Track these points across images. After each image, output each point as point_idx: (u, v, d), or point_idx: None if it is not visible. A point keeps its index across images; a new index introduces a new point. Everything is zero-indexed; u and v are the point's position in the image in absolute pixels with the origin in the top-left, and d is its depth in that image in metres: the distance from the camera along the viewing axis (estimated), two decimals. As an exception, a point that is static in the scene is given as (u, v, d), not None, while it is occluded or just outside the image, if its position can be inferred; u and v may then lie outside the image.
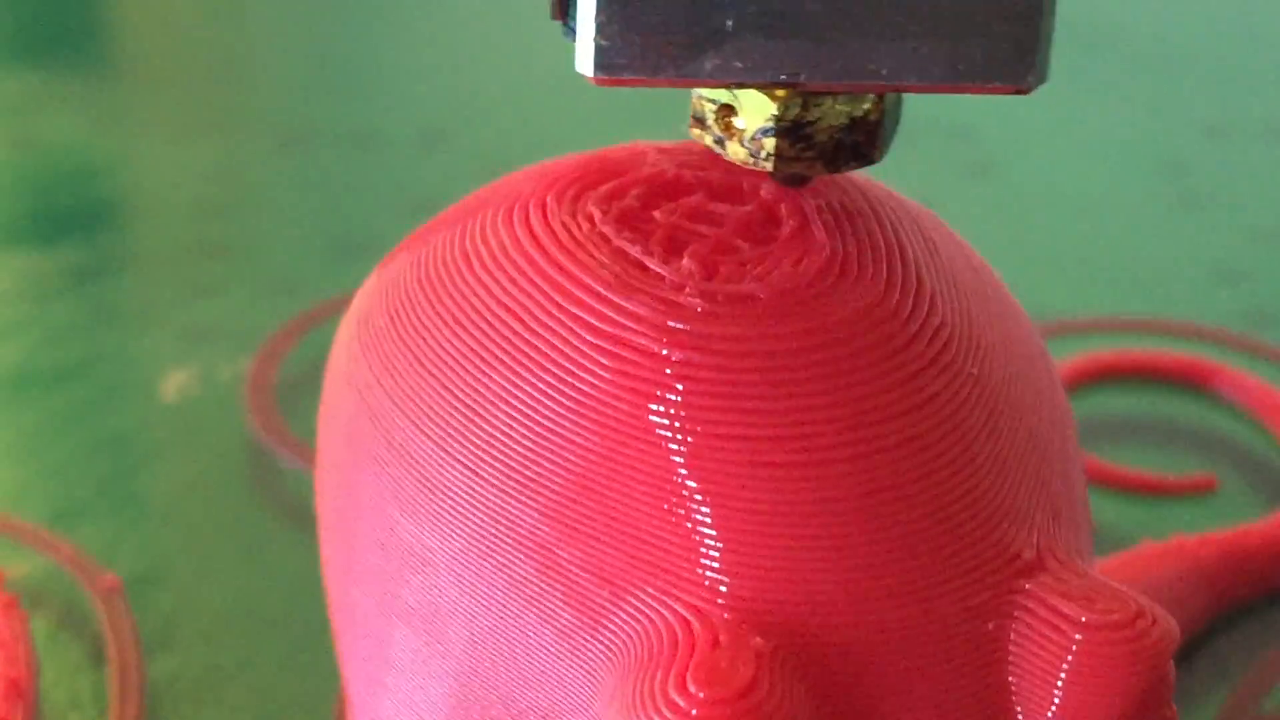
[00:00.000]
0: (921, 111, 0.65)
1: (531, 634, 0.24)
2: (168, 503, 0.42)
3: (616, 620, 0.24)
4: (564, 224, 0.26)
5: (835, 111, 0.25)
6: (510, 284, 0.26)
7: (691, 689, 0.22)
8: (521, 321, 0.25)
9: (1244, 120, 0.67)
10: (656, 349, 0.24)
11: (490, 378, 0.25)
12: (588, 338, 0.25)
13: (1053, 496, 0.26)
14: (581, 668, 0.24)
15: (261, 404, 0.45)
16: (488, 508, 0.25)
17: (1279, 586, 0.39)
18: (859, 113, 0.25)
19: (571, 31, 0.24)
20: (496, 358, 0.25)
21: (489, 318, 0.25)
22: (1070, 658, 0.24)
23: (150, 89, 0.71)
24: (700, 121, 0.26)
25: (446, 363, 0.26)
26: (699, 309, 0.25)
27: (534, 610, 0.24)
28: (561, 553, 0.24)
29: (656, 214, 0.27)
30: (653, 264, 0.25)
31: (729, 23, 0.23)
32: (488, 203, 0.27)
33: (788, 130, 0.25)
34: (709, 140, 0.26)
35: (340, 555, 0.28)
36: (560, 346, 0.25)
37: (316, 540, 0.29)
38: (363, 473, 0.27)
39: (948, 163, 0.62)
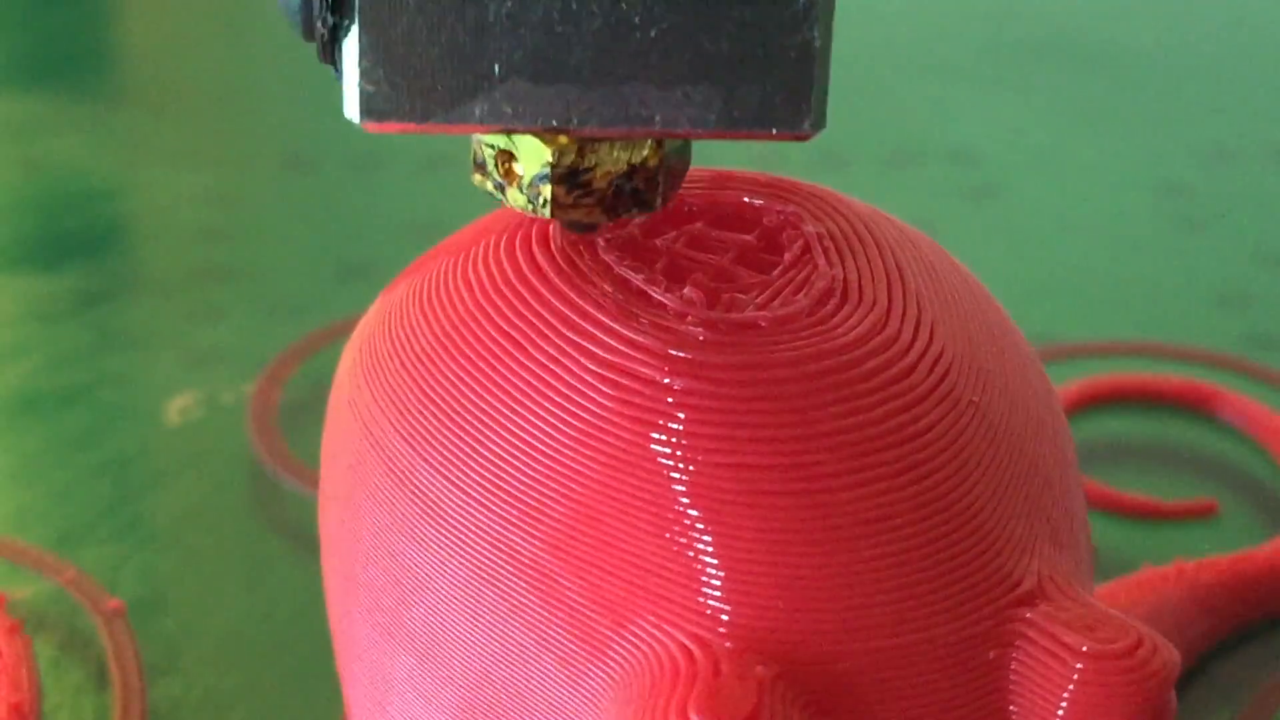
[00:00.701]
0: (922, 135, 0.66)
1: (533, 662, 0.24)
2: (171, 526, 0.42)
3: (618, 648, 0.24)
4: (566, 252, 0.26)
5: (613, 158, 0.25)
6: (512, 312, 0.26)
7: (693, 718, 0.22)
8: (524, 349, 0.25)
9: (1245, 143, 0.67)
10: (658, 377, 0.24)
11: (493, 406, 0.25)
12: (590, 366, 0.25)
13: (1053, 524, 0.26)
14: (583, 696, 0.24)
15: (265, 427, 0.45)
16: (490, 535, 0.25)
17: (1279, 611, 0.39)
18: (637, 159, 0.25)
19: (340, 76, 0.24)
20: (499, 385, 0.25)
21: (491, 345, 0.26)
22: (1071, 687, 0.24)
23: (154, 113, 0.71)
24: (481, 167, 0.25)
25: (449, 390, 0.26)
26: (701, 337, 0.25)
27: (536, 638, 0.24)
28: (563, 580, 0.24)
29: (658, 242, 0.27)
30: (655, 292, 0.25)
31: (496, 67, 0.23)
32: (490, 230, 0.27)
33: (564, 177, 0.25)
34: (490, 186, 0.25)
35: (342, 581, 0.28)
36: (562, 375, 0.25)
37: (319, 564, 0.29)
38: (365, 499, 0.27)
39: (949, 186, 0.62)
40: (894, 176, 0.61)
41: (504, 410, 0.25)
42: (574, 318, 0.25)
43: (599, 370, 0.25)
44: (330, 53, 0.23)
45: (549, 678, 0.24)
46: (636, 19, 0.23)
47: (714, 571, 0.24)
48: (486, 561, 0.25)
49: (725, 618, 0.24)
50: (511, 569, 0.24)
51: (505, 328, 0.26)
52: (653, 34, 0.23)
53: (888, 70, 0.72)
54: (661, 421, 0.24)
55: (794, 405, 0.24)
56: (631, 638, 0.24)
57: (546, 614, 0.24)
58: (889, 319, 0.25)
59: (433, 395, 0.26)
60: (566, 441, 0.24)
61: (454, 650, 0.25)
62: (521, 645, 0.24)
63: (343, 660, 0.28)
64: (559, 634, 0.24)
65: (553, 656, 0.24)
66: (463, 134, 0.24)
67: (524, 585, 0.24)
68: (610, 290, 0.25)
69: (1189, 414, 0.47)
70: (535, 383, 0.25)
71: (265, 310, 0.53)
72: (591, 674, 0.24)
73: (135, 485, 0.44)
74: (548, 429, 0.25)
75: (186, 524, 0.42)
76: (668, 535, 0.24)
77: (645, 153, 0.25)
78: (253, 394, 0.47)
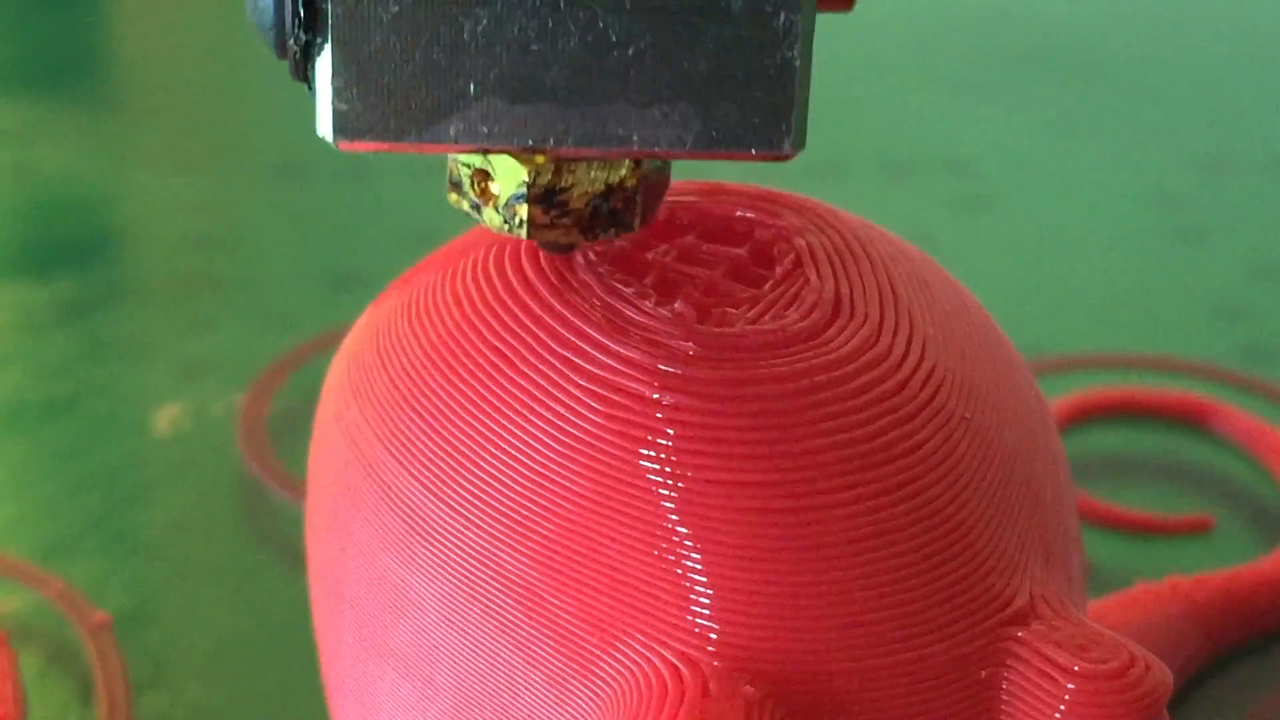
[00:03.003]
0: (917, 145, 0.65)
1: (520, 680, 0.24)
2: (159, 538, 0.42)
3: (606, 667, 0.24)
4: (556, 265, 0.26)
5: (590, 178, 0.24)
6: (501, 326, 0.25)
7: (681, 738, 0.22)
8: (512, 364, 0.25)
9: (1242, 154, 0.67)
10: (648, 393, 0.24)
11: (481, 421, 0.25)
12: (579, 381, 0.24)
13: (1045, 542, 0.26)
14: (571, 714, 0.24)
15: (254, 439, 0.45)
16: (477, 551, 0.24)
17: (1275, 628, 0.39)
18: (615, 179, 0.24)
19: (314, 93, 0.23)
20: (487, 400, 0.25)
21: (479, 360, 0.25)
22: (1063, 707, 0.24)
23: (145, 121, 0.71)
24: (457, 186, 0.25)
25: (436, 405, 0.25)
26: (691, 352, 0.24)
27: (523, 656, 0.24)
28: (551, 598, 0.24)
29: (649, 255, 0.26)
30: (645, 306, 0.25)
31: (472, 86, 0.22)
32: (479, 244, 0.27)
33: (540, 197, 0.24)
34: (466, 206, 0.25)
35: (329, 596, 0.27)
36: (551, 390, 0.25)
37: (307, 577, 0.29)
38: (352, 514, 0.26)
39: (944, 196, 0.62)
40: (888, 187, 0.61)
41: (492, 425, 0.25)
42: (563, 332, 0.25)
43: (588, 385, 0.24)
44: (303, 70, 0.23)
45: (536, 696, 0.24)
46: (614, 37, 0.22)
47: (703, 589, 0.23)
48: (474, 578, 0.24)
49: (714, 636, 0.23)
50: (499, 586, 0.24)
51: (494, 342, 0.25)
52: (630, 53, 0.22)
53: (882, 81, 0.72)
54: (651, 437, 0.24)
55: (784, 421, 0.24)
56: (620, 656, 0.24)
57: (534, 632, 0.24)
58: (881, 334, 0.25)
59: (420, 410, 0.26)
60: (555, 457, 0.24)
61: (440, 667, 0.25)
62: (509, 663, 0.24)
63: (329, 674, 0.28)
64: (547, 652, 0.24)
65: (540, 674, 0.24)
66: (438, 153, 0.24)
67: (511, 602, 0.24)
68: (600, 304, 0.25)
69: (1184, 428, 0.47)
70: (524, 398, 0.25)
71: (256, 320, 0.53)
72: (579, 692, 0.24)
73: (123, 497, 0.43)
74: (536, 444, 0.24)
75: (174, 536, 0.42)
76: (656, 552, 0.24)
77: (623, 172, 0.24)
78: (242, 405, 0.46)
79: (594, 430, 0.24)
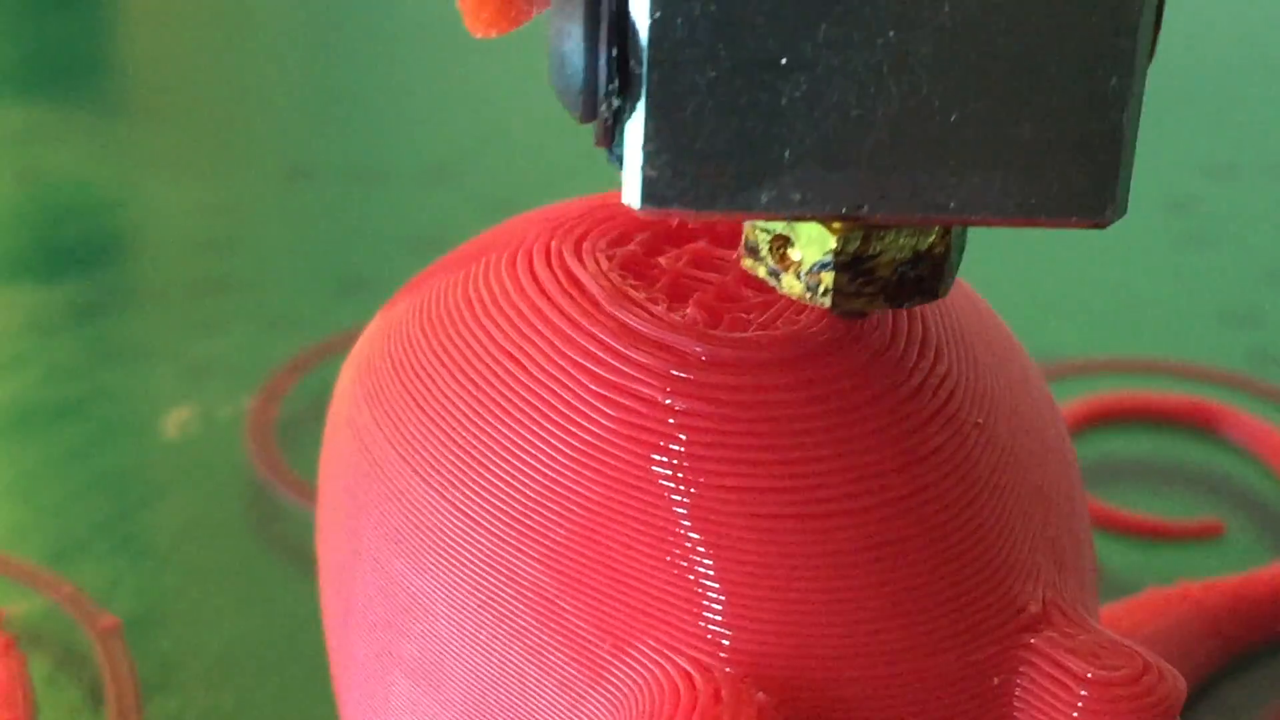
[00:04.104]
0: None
1: (531, 686, 0.24)
2: (168, 542, 0.42)
3: (618, 673, 0.24)
4: (568, 270, 0.26)
5: (899, 245, 0.23)
6: (513, 331, 0.25)
7: (693, 745, 0.22)
8: (524, 369, 0.25)
9: (1251, 159, 0.67)
10: (660, 398, 0.24)
11: (492, 425, 0.25)
12: (591, 386, 0.24)
13: (1058, 548, 0.26)
14: (582, 720, 0.24)
15: (262, 442, 0.45)
16: (488, 557, 0.24)
17: (1286, 634, 0.39)
18: (923, 246, 0.23)
19: (617, 159, 0.22)
20: (499, 405, 0.25)
21: (491, 365, 0.25)
22: (1076, 714, 0.23)
23: (154, 124, 0.71)
24: (754, 252, 0.24)
25: (448, 410, 0.25)
26: (703, 358, 0.24)
27: (535, 662, 0.24)
28: (563, 604, 0.24)
29: (661, 260, 0.26)
30: (657, 311, 0.25)
31: (787, 153, 0.21)
32: (491, 247, 0.27)
33: (847, 265, 0.23)
34: (762, 272, 0.24)
35: (339, 601, 0.27)
36: (563, 394, 0.24)
37: (317, 581, 0.29)
38: (363, 519, 0.26)
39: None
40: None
41: (503, 430, 0.25)
42: (575, 337, 0.25)
43: (600, 390, 0.24)
44: (610, 135, 0.22)
45: (548, 702, 0.24)
46: (936, 102, 0.21)
47: (715, 596, 0.23)
48: (485, 583, 0.24)
49: (726, 643, 0.23)
50: (510, 591, 0.24)
51: (506, 347, 0.25)
52: (953, 118, 0.21)
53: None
54: (662, 443, 0.24)
55: (797, 428, 0.24)
56: (631, 662, 0.24)
57: (545, 637, 0.24)
58: (893, 340, 0.25)
59: (432, 414, 0.26)
60: (567, 462, 0.24)
61: (452, 673, 0.25)
62: (520, 669, 0.24)
63: (339, 681, 0.28)
64: (558, 658, 0.24)
65: (552, 680, 0.24)
66: (746, 220, 0.23)
67: (523, 608, 0.24)
68: (612, 309, 0.25)
69: (1194, 433, 0.47)
70: (535, 403, 0.25)
71: (264, 323, 0.53)
72: (591, 698, 0.24)
73: (132, 500, 0.43)
74: (548, 450, 0.24)
75: (183, 540, 0.42)
76: (668, 558, 0.23)
77: (932, 239, 0.23)
78: (251, 408, 0.46)
79: (606, 435, 0.24)
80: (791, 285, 0.24)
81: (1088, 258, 0.59)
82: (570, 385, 0.24)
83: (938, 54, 0.21)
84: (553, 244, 0.26)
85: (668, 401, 0.24)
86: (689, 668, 0.23)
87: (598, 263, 0.26)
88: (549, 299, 0.25)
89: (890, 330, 0.25)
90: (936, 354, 0.25)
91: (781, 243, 0.24)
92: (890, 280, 0.23)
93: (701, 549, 0.23)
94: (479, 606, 0.24)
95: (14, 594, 0.39)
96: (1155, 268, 0.58)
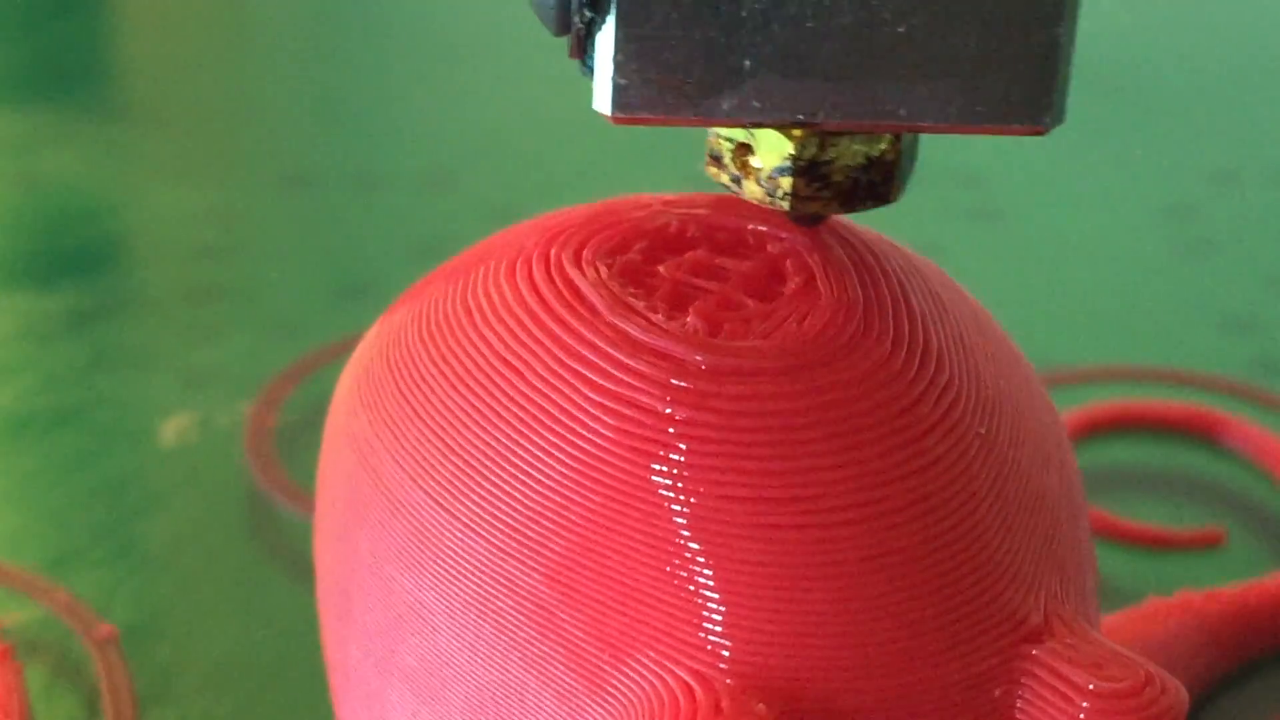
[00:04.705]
0: (930, 156, 0.65)
1: (531, 697, 0.24)
2: (165, 550, 0.42)
3: (618, 684, 0.23)
4: (567, 278, 0.26)
5: (852, 151, 0.25)
6: (512, 339, 0.25)
7: (693, 757, 0.22)
8: (523, 378, 0.25)
9: (1253, 166, 0.66)
10: (660, 408, 0.24)
11: (491, 435, 0.25)
12: (590, 395, 0.24)
13: (1060, 558, 0.26)
14: (582, 732, 0.24)
15: (260, 450, 0.45)
16: (487, 567, 0.24)
17: (1287, 643, 0.38)
18: (875, 152, 0.25)
19: (589, 70, 0.24)
20: (498, 414, 0.25)
21: (490, 374, 0.25)
22: (1078, 725, 0.23)
23: (152, 129, 0.71)
24: (717, 160, 0.26)
25: (447, 419, 0.25)
26: (703, 367, 0.24)
27: (534, 673, 0.24)
28: (562, 614, 0.24)
29: (661, 269, 0.26)
30: (657, 320, 0.25)
31: (747, 62, 0.23)
32: (490, 255, 0.27)
33: (804, 169, 0.25)
34: (726, 179, 0.26)
35: (338, 611, 0.27)
36: (562, 404, 0.24)
37: (315, 590, 0.29)
38: (361, 528, 0.26)
39: (953, 207, 0.62)
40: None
41: (502, 440, 0.25)
42: (574, 345, 0.25)
43: (599, 399, 0.24)
44: (582, 48, 0.24)
45: (547, 713, 0.24)
46: (886, 15, 0.23)
47: (715, 606, 0.23)
48: (484, 593, 0.24)
49: (726, 654, 0.23)
50: (509, 601, 0.24)
51: (505, 355, 0.25)
52: (901, 30, 0.23)
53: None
54: (662, 452, 0.24)
55: (797, 437, 0.24)
56: (631, 673, 0.23)
57: (545, 648, 0.24)
58: (894, 349, 0.25)
59: (430, 423, 0.25)
60: (566, 472, 0.24)
61: (450, 683, 0.25)
62: (519, 680, 0.24)
63: (338, 691, 0.28)
64: (557, 669, 0.24)
65: (551, 692, 0.24)
66: (706, 127, 0.25)
67: (522, 618, 0.24)
68: (611, 318, 0.25)
69: (1195, 441, 0.47)
70: (535, 412, 0.25)
71: (263, 330, 0.52)
72: (590, 710, 0.24)
73: (129, 508, 0.43)
74: (547, 459, 0.24)
75: (181, 548, 0.42)
76: (668, 569, 0.23)
77: (883, 146, 0.25)
78: (249, 416, 0.46)
79: (605, 445, 0.24)
80: (752, 190, 0.26)
81: (1088, 264, 0.59)
82: (569, 394, 0.24)
83: None
84: (552, 252, 0.26)
85: (668, 411, 0.24)
86: (689, 679, 0.23)
87: (597, 271, 0.26)
88: (548, 307, 0.25)
89: (892, 339, 0.25)
90: (938, 363, 0.25)
91: (743, 150, 0.25)
92: (844, 185, 0.25)
93: (701, 559, 0.23)
94: (478, 617, 0.24)
95: (10, 602, 0.39)
96: (1156, 274, 0.58)
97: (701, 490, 0.23)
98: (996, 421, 0.25)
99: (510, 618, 0.24)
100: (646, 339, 0.25)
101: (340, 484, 0.27)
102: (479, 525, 0.24)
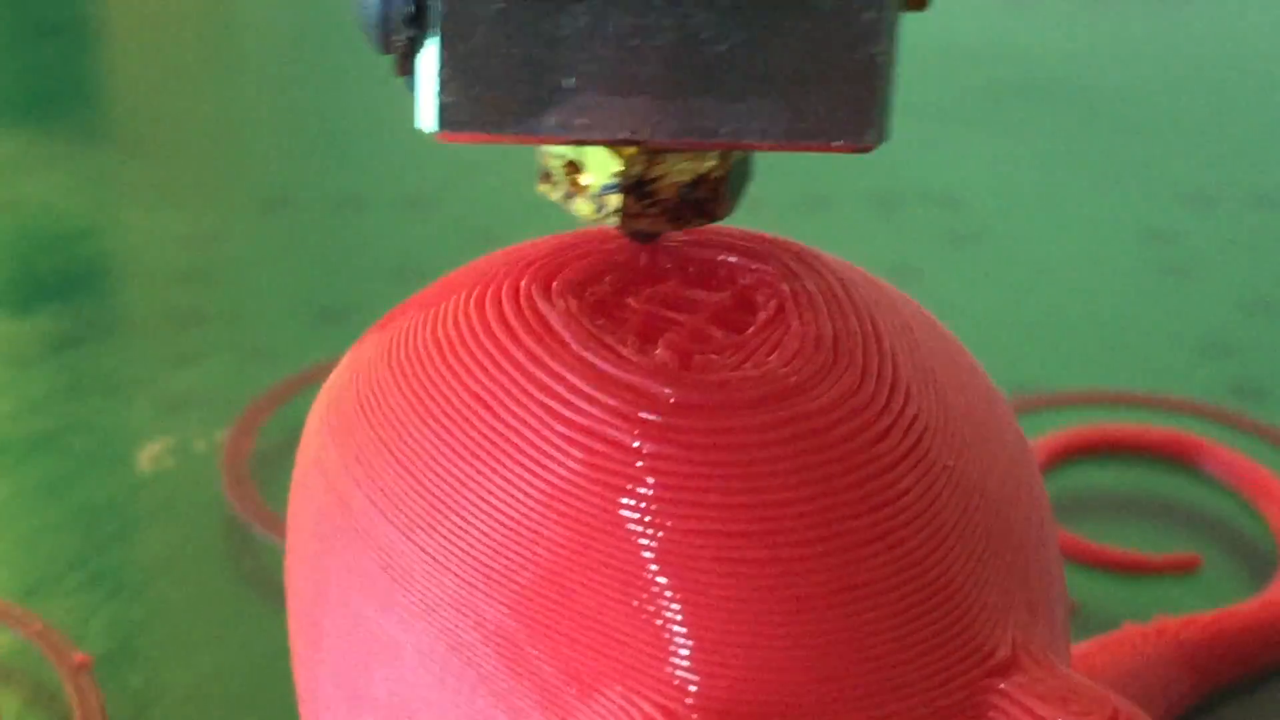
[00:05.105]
0: (905, 178, 0.65)
1: (499, 731, 0.24)
2: (141, 578, 0.42)
3: (585, 718, 0.23)
4: (537, 310, 0.26)
5: (679, 169, 0.25)
6: (481, 372, 0.25)
7: (659, 793, 0.22)
8: (491, 411, 0.25)
9: (1230, 189, 0.67)
10: (628, 441, 0.24)
11: (459, 468, 0.25)
12: (558, 428, 0.24)
13: (1029, 591, 0.26)
14: (549, 766, 0.24)
15: (237, 476, 0.45)
16: (455, 600, 0.24)
17: (1264, 669, 0.38)
18: (703, 170, 0.25)
19: (414, 88, 0.24)
20: (465, 447, 0.25)
21: (459, 406, 0.25)
22: (1045, 760, 0.23)
23: (132, 154, 0.71)
24: (548, 177, 0.26)
25: (415, 451, 0.25)
26: (672, 400, 0.24)
27: (502, 706, 0.24)
28: (529, 648, 0.24)
29: (631, 301, 0.26)
30: (626, 353, 0.25)
31: (571, 80, 0.23)
32: (460, 286, 0.27)
33: (632, 187, 0.25)
34: (556, 196, 0.26)
35: (308, 642, 0.27)
36: (530, 437, 0.24)
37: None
38: (331, 559, 0.26)
39: (932, 229, 0.62)
40: (875, 220, 0.61)
41: (470, 472, 0.25)
42: (543, 378, 0.25)
43: (567, 433, 0.24)
44: (407, 65, 0.24)
45: (515, 747, 0.24)
46: (706, 34, 0.23)
47: (682, 640, 0.23)
48: (452, 627, 0.24)
49: (693, 688, 0.23)
50: (477, 635, 0.24)
51: (473, 388, 0.25)
52: (722, 48, 0.23)
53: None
54: (630, 486, 0.24)
55: (765, 470, 0.24)
56: (599, 707, 0.23)
57: (512, 681, 0.24)
58: (863, 382, 0.25)
59: (399, 456, 0.25)
60: (534, 505, 0.24)
61: (419, 717, 0.25)
62: (488, 713, 0.24)
63: (306, 719, 0.28)
64: (525, 702, 0.24)
65: (519, 725, 0.24)
66: (533, 144, 0.25)
67: (490, 652, 0.24)
68: (580, 350, 0.25)
69: (1172, 466, 0.47)
70: (502, 444, 0.25)
71: (241, 355, 0.52)
72: (558, 743, 0.24)
73: (105, 535, 0.43)
74: (515, 492, 0.24)
75: (157, 575, 0.42)
76: (635, 603, 0.23)
77: (711, 163, 0.25)
78: (226, 441, 0.46)
79: (573, 478, 0.24)
80: (582, 208, 0.26)
81: (1065, 287, 0.59)
82: (538, 427, 0.24)
83: None
84: (521, 284, 0.26)
85: (636, 444, 0.24)
86: (655, 713, 0.23)
87: (566, 303, 0.26)
88: (517, 340, 0.25)
89: (860, 371, 0.25)
90: (906, 396, 0.25)
91: (573, 168, 0.26)
92: (672, 202, 0.26)
93: (669, 593, 0.23)
94: (446, 650, 0.24)
95: (-15, 630, 0.39)
96: (1133, 298, 0.58)
97: (669, 524, 0.23)
98: (965, 454, 0.25)
99: (478, 651, 0.24)
100: (615, 372, 0.25)
101: (310, 515, 0.27)
102: (447, 558, 0.24)
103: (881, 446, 0.24)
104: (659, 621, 0.23)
